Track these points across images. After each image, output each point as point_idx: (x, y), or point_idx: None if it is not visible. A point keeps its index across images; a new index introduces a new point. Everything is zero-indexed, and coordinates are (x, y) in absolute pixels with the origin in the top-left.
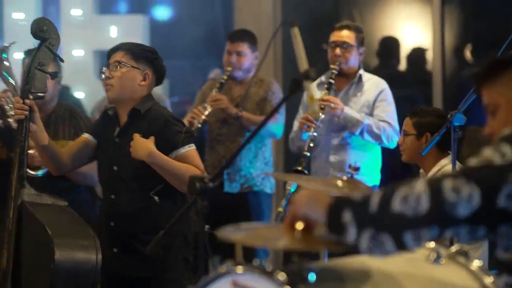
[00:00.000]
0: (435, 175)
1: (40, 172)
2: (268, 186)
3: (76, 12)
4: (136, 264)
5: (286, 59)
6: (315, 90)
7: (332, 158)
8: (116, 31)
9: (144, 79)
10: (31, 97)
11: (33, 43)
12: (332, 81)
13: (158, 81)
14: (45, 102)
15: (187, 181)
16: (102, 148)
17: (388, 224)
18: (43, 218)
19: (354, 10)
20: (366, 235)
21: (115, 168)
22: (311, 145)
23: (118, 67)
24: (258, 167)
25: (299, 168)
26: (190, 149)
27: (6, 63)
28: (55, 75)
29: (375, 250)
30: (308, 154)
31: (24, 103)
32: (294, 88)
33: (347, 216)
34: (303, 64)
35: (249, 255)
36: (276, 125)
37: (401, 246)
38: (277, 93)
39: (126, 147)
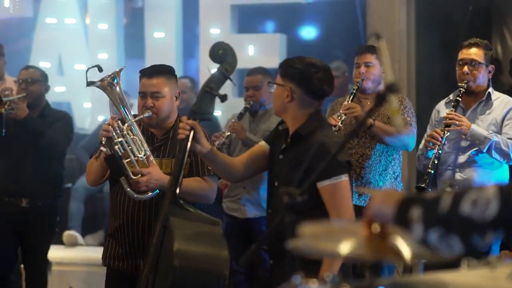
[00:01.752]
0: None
1: (146, 196)
2: None
3: (215, 31)
4: (283, 279)
5: (418, 72)
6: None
7: (458, 176)
8: (253, 49)
9: (287, 96)
10: (197, 118)
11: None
12: (459, 99)
13: (314, 97)
14: (162, 119)
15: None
16: (271, 161)
17: (457, 226)
18: (179, 233)
19: (504, 28)
20: (434, 234)
21: (276, 183)
22: (435, 162)
23: (273, 85)
24: (387, 180)
25: (422, 185)
26: (340, 180)
27: (117, 88)
28: (225, 98)
29: (442, 249)
30: (432, 171)
31: (186, 123)
32: (379, 101)
33: (416, 213)
34: (389, 77)
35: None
36: (410, 136)
37: (468, 247)
38: (408, 107)
39: (285, 167)
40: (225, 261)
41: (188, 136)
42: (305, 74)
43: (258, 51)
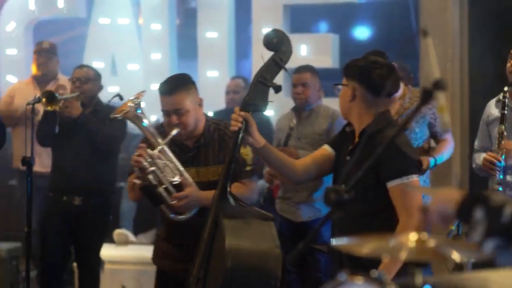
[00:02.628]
0: None
1: (187, 216)
2: None
3: (267, 31)
4: None
5: (471, 72)
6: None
7: (509, 178)
8: (306, 49)
9: (350, 95)
10: (249, 109)
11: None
12: (505, 100)
13: (376, 94)
14: (191, 132)
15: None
16: (337, 164)
17: None
18: (229, 229)
19: None
20: (493, 242)
21: (342, 186)
22: (500, 188)
23: (339, 87)
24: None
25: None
26: (411, 180)
27: (142, 117)
28: (279, 89)
29: (499, 257)
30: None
31: (239, 114)
32: (425, 98)
33: (479, 215)
34: (435, 73)
35: None
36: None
37: None
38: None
39: (352, 167)
40: (277, 260)
41: (240, 128)
42: (365, 70)
43: (311, 51)
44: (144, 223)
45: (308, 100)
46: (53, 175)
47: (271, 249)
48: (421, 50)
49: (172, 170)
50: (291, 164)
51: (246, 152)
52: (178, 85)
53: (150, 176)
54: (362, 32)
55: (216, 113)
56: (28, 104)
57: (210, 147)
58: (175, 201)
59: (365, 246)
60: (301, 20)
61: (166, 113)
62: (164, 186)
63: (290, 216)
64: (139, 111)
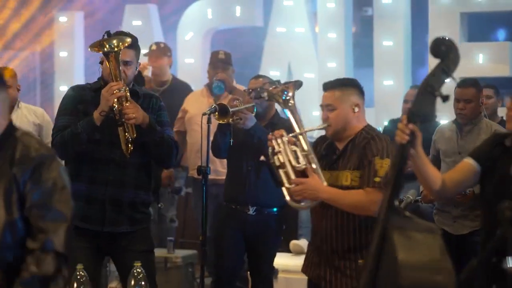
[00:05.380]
0: None
1: (301, 205)
2: None
3: None
4: None
5: None
6: None
7: None
8: (483, 58)
9: None
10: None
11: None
12: None
13: None
14: (338, 131)
15: None
16: (489, 179)
17: None
18: (399, 242)
19: None
20: None
21: None
22: None
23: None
24: None
25: None
26: None
27: (287, 102)
28: (446, 99)
29: None
30: None
31: (408, 126)
32: None
33: None
34: None
35: None
36: None
37: None
38: None
39: None
40: (450, 274)
41: (408, 142)
42: None
43: (488, 59)
44: None
45: (470, 117)
46: (227, 184)
47: (443, 262)
48: None
49: (300, 157)
50: (442, 181)
51: (382, 164)
52: (335, 84)
53: (276, 157)
54: None
55: (391, 121)
56: (204, 114)
57: (353, 152)
58: (292, 185)
59: None
60: (478, 28)
61: (321, 107)
62: (284, 170)
63: (448, 229)
64: (284, 97)
